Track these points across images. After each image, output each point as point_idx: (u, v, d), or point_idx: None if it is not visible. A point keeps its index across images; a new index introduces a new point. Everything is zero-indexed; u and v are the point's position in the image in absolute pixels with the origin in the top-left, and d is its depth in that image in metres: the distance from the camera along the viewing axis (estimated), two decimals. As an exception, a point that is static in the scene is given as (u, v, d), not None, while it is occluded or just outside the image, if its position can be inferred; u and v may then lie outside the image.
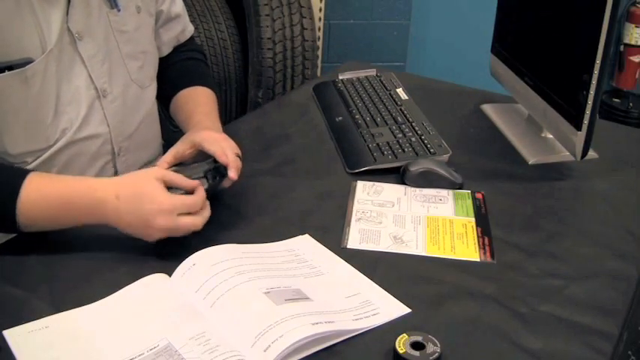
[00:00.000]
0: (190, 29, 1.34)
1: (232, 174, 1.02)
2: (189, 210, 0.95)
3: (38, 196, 0.94)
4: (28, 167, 1.05)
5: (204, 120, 1.16)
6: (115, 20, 1.10)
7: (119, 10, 1.10)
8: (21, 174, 0.95)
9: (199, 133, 1.08)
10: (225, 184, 1.05)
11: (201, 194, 0.97)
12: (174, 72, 1.29)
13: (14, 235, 1.01)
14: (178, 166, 1.06)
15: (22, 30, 0.98)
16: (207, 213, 0.97)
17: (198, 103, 1.22)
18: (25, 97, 1.01)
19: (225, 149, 1.04)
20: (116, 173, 1.15)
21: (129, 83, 1.14)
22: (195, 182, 0.98)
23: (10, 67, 0.98)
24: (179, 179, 0.97)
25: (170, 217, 0.93)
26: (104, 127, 1.11)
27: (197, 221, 0.96)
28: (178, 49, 1.31)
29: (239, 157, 1.05)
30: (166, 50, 1.28)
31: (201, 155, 1.06)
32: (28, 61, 0.99)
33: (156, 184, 0.95)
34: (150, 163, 1.23)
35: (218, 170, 1.03)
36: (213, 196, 1.02)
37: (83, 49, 1.05)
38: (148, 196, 0.94)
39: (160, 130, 1.29)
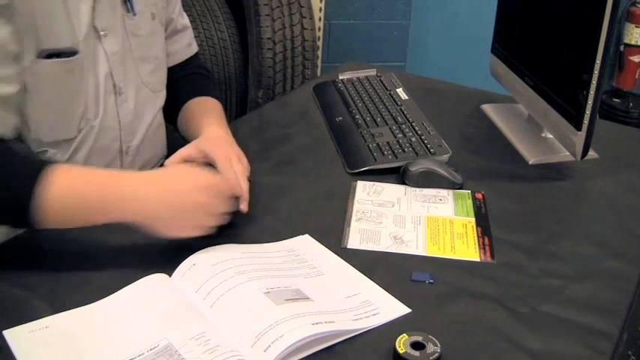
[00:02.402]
0: (195, 46, 1.35)
1: (243, 206, 1.02)
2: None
3: (64, 186, 0.89)
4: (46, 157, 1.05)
5: (215, 124, 1.16)
6: (131, 24, 1.12)
7: (135, 14, 1.12)
8: (42, 163, 0.91)
9: (214, 150, 1.07)
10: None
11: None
12: (181, 84, 1.29)
13: (14, 234, 1.01)
14: None
15: (59, 21, 1.00)
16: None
17: (209, 110, 1.23)
18: (66, 86, 1.02)
19: (239, 177, 1.03)
20: None
21: (140, 85, 1.16)
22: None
23: (59, 55, 1.00)
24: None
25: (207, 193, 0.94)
26: (116, 123, 1.12)
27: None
28: (184, 66, 1.32)
29: (249, 179, 1.06)
30: (170, 62, 1.29)
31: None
32: (73, 52, 1.01)
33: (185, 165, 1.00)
34: (155, 165, 1.24)
35: None
36: None
37: (108, 45, 1.07)
38: (182, 175, 0.97)
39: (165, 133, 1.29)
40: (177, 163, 1.07)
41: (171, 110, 1.28)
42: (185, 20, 1.31)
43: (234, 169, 1.04)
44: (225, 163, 1.05)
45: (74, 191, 0.91)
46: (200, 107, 1.25)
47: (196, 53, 1.36)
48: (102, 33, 1.06)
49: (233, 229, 1.03)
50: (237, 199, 1.02)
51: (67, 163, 1.06)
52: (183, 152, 1.08)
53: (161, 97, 1.24)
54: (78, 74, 1.04)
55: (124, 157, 1.16)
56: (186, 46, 1.32)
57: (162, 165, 1.24)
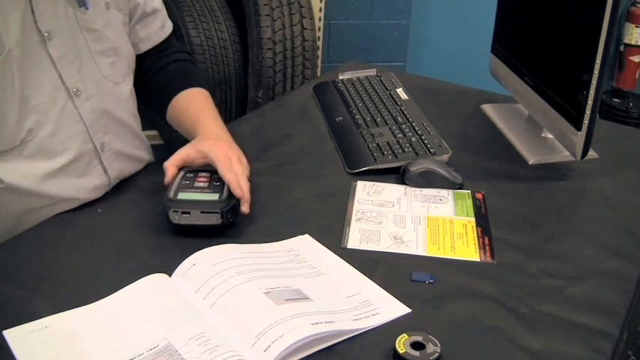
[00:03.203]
0: (169, 25, 1.30)
1: (245, 208, 1.02)
2: None
3: None
4: None
5: (212, 124, 1.15)
6: (84, 18, 1.07)
7: (87, 8, 1.07)
8: None
9: (214, 151, 1.06)
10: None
11: None
12: (163, 78, 1.26)
13: (14, 235, 1.01)
14: (191, 183, 1.05)
15: None
16: None
17: (201, 106, 1.21)
18: None
19: (239, 178, 1.03)
20: (105, 169, 1.12)
21: (101, 80, 1.11)
22: None
23: None
24: None
25: None
26: (80, 126, 1.08)
27: None
28: (162, 53, 1.28)
29: (249, 179, 1.05)
30: (144, 47, 1.25)
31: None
32: None
33: None
34: (139, 159, 1.21)
35: (234, 208, 1.01)
36: None
37: (53, 49, 1.02)
38: None
39: (141, 122, 1.25)
40: (177, 163, 1.07)
41: (159, 102, 1.25)
42: (155, 3, 1.25)
43: (235, 170, 1.04)
44: (225, 163, 1.04)
45: None
46: (191, 103, 1.22)
47: (171, 34, 1.30)
48: (45, 35, 1.01)
49: (233, 229, 1.03)
50: (238, 200, 1.02)
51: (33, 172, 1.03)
52: (182, 153, 1.08)
53: (126, 85, 1.19)
54: None
55: (102, 155, 1.11)
56: (158, 29, 1.26)
57: (152, 163, 1.23)
